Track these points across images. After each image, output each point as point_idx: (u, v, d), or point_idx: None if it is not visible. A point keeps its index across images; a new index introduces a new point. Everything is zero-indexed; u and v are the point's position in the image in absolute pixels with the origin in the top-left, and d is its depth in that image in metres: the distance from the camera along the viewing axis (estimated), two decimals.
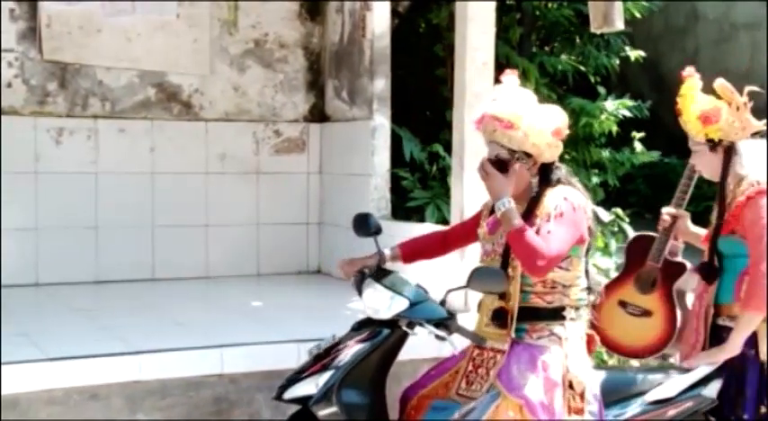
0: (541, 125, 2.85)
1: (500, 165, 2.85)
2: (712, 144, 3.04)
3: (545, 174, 2.92)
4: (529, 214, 2.87)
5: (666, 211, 3.24)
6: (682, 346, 3.19)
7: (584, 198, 2.91)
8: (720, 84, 3.04)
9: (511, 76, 2.99)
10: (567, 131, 2.94)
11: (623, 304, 3.31)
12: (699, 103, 3.04)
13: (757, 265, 2.86)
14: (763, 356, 2.94)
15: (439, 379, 3.03)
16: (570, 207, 2.82)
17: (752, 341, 2.93)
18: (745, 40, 9.19)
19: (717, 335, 3.02)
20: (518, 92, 2.95)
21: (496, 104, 2.91)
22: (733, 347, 2.91)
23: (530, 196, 2.92)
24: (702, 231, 3.26)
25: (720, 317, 3.03)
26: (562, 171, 2.95)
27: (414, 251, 3.29)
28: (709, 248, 3.05)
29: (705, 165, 3.10)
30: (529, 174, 2.92)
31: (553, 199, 2.86)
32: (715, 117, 2.99)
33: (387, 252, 3.19)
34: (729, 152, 3.04)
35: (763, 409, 2.94)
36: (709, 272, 3.04)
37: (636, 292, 3.31)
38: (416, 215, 6.08)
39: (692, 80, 3.09)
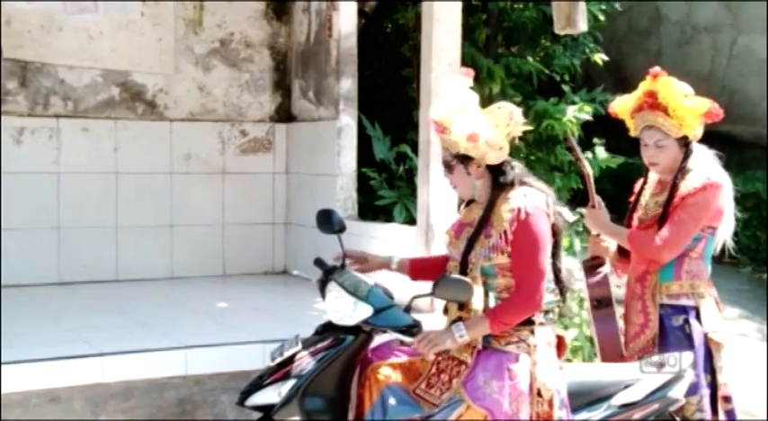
0: (462, 129, 2.77)
1: (447, 168, 2.88)
2: (685, 140, 3.14)
3: (495, 178, 2.85)
4: (485, 222, 2.82)
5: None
6: (627, 327, 3.29)
7: (542, 197, 2.83)
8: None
9: (459, 76, 2.92)
10: (496, 134, 2.77)
11: None
12: (692, 99, 3.12)
13: (662, 232, 3.08)
14: (705, 327, 3.11)
15: (402, 358, 2.93)
16: (532, 222, 2.75)
17: (697, 314, 3.13)
18: (706, 42, 9.32)
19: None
20: (459, 94, 2.87)
21: (435, 108, 2.88)
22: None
23: (485, 200, 2.86)
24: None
25: (660, 295, 3.18)
26: (516, 171, 2.86)
27: (421, 269, 3.14)
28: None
29: (668, 159, 3.18)
30: (472, 177, 2.85)
31: (507, 209, 2.78)
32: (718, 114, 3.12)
33: (395, 260, 3.10)
34: (689, 149, 3.18)
35: (708, 377, 3.11)
36: None
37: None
38: (384, 215, 6.08)
39: (666, 77, 3.15)
